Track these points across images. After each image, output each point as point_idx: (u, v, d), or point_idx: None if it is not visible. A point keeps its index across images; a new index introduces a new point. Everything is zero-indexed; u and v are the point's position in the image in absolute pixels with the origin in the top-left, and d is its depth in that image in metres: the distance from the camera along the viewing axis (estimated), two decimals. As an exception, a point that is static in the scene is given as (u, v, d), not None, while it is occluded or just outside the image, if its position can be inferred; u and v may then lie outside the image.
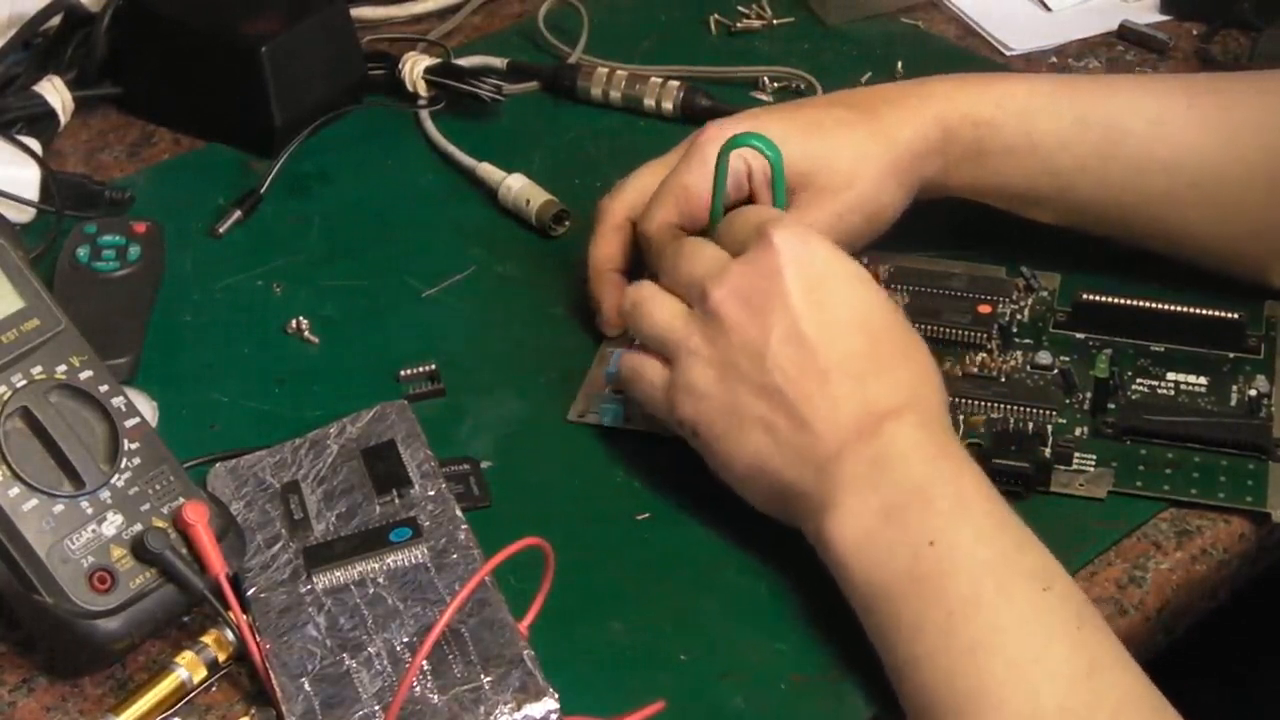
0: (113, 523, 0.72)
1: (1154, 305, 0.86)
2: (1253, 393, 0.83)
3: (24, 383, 0.72)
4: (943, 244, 0.93)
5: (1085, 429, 0.82)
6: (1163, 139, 0.86)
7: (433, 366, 0.87)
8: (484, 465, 0.81)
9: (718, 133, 0.84)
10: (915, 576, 0.69)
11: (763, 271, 0.75)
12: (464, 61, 1.10)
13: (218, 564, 0.72)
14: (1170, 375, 0.84)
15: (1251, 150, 0.85)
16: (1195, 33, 1.13)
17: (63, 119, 1.04)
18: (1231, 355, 0.85)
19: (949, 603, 0.68)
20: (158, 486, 0.73)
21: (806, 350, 0.74)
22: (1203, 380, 0.84)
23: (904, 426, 0.72)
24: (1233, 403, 0.83)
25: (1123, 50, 1.13)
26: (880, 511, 0.71)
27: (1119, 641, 0.68)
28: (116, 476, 0.72)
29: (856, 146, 0.86)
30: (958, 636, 0.67)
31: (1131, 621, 0.75)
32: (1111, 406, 0.82)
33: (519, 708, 0.68)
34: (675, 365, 0.77)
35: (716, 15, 1.16)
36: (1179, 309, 0.86)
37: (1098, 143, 0.86)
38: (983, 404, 0.82)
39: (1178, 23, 1.15)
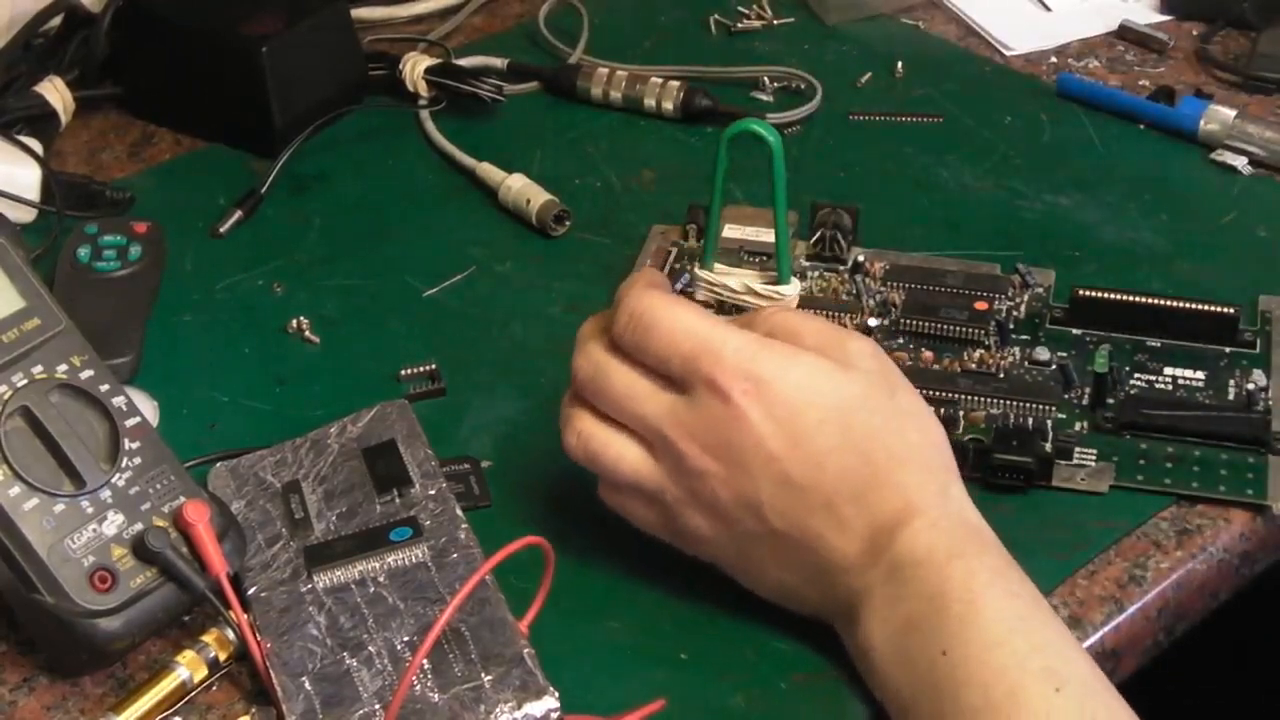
0: (113, 522, 0.72)
1: (1150, 300, 0.86)
2: (1250, 386, 0.83)
3: (25, 382, 0.72)
4: (937, 242, 0.93)
5: (1085, 424, 0.82)
6: None
7: (433, 366, 0.87)
8: (484, 465, 0.81)
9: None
10: (934, 686, 0.67)
11: (722, 419, 0.71)
12: (464, 61, 1.10)
13: (218, 563, 0.72)
14: (1168, 370, 0.84)
15: None
16: (1195, 33, 1.13)
17: (64, 119, 1.04)
18: (1228, 350, 0.85)
19: (966, 713, 0.66)
20: (158, 486, 0.73)
21: (801, 490, 0.71)
22: (1200, 375, 0.84)
23: (914, 532, 0.70)
24: (1230, 397, 0.83)
25: (1123, 50, 1.13)
26: (904, 622, 0.69)
27: None
28: (117, 476, 0.72)
29: None
30: None
31: (1131, 621, 0.75)
32: (1110, 401, 0.82)
33: (519, 706, 0.68)
34: (665, 512, 0.74)
35: (717, 15, 1.17)
36: (1174, 304, 0.86)
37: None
38: (982, 399, 0.82)
39: (1177, 23, 1.15)
